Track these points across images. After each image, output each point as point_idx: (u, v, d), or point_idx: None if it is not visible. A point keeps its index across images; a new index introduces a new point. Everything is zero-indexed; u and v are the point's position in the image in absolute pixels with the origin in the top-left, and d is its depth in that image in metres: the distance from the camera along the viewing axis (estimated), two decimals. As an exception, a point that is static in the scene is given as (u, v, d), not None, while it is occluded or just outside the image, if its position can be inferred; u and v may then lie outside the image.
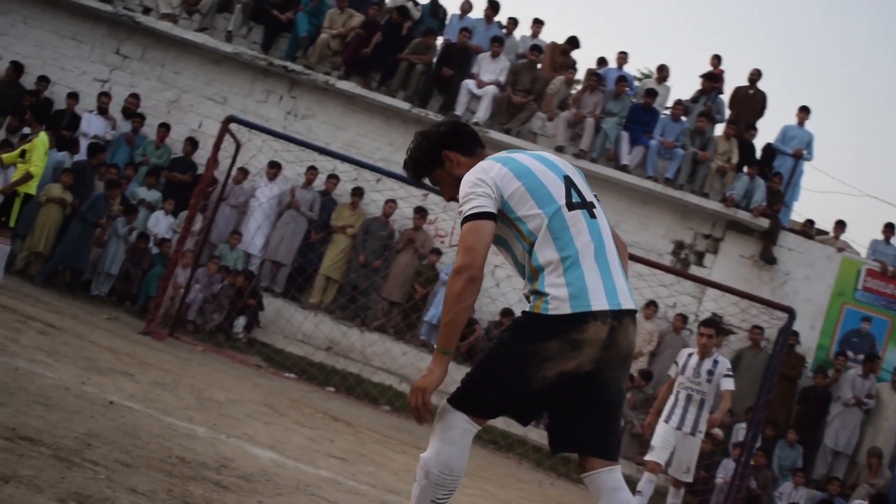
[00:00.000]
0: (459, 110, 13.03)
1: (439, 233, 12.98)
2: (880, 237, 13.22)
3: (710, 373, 7.84)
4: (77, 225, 11.27)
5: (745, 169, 12.95)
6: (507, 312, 11.62)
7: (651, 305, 12.00)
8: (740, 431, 10.77)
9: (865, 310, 12.54)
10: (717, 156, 13.00)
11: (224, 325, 11.53)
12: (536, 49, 13.52)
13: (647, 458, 7.91)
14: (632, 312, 3.10)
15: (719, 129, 13.45)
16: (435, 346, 3.06)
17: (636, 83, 15.86)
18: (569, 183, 3.16)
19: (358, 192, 12.67)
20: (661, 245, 12.95)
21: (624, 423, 10.59)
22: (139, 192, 12.50)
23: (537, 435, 10.48)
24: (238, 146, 11.30)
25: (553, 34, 33.57)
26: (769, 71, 19.57)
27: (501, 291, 12.10)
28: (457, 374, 3.58)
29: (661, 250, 12.88)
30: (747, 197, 12.78)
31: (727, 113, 13.70)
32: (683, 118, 13.33)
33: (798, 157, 13.38)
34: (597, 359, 2.99)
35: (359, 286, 12.38)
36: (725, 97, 13.85)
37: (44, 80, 13.35)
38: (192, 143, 13.05)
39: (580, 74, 14.44)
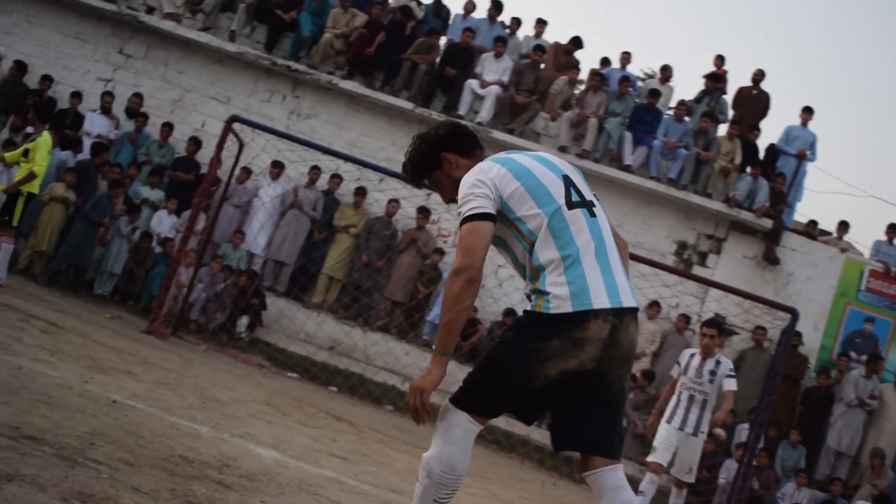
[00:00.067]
0: (463, 110, 13.03)
1: (442, 233, 12.98)
2: (883, 238, 13.19)
3: (713, 373, 7.82)
4: (80, 224, 11.29)
5: (749, 169, 12.94)
6: (509, 312, 11.60)
7: (654, 306, 11.99)
8: (743, 432, 10.76)
9: (868, 310, 12.52)
10: (721, 156, 12.99)
11: (227, 324, 11.54)
12: (540, 49, 13.52)
13: (650, 458, 7.91)
14: (633, 310, 3.10)
15: (723, 130, 13.44)
16: (434, 347, 3.06)
17: (639, 83, 15.84)
18: (568, 182, 3.17)
19: (361, 192, 12.68)
20: (664, 245, 12.94)
21: (626, 424, 10.58)
22: (142, 191, 12.52)
23: (540, 435, 10.47)
24: (241, 146, 11.32)
25: (556, 34, 33.67)
26: (772, 71, 19.54)
27: (504, 291, 12.11)
28: (459, 373, 3.58)
29: (664, 251, 12.87)
30: (750, 197, 12.76)
31: (730, 113, 13.69)
32: (687, 118, 13.31)
33: (801, 158, 13.35)
34: (598, 357, 2.99)
35: (362, 286, 12.38)
36: (729, 97, 13.85)
37: (47, 80, 13.38)
38: (195, 143, 13.07)
39: (583, 74, 14.42)
